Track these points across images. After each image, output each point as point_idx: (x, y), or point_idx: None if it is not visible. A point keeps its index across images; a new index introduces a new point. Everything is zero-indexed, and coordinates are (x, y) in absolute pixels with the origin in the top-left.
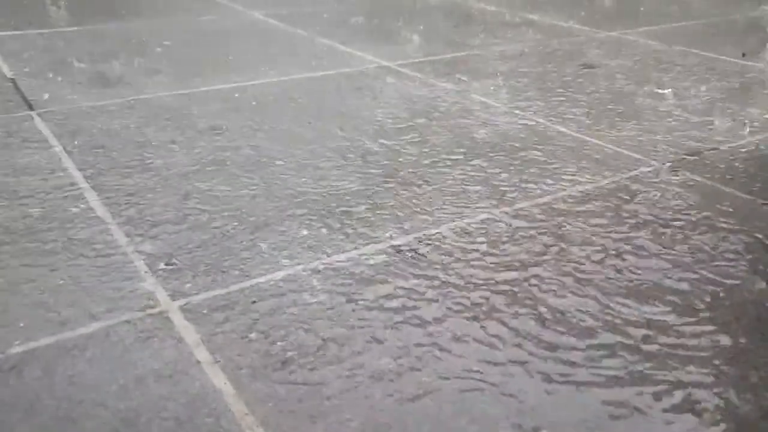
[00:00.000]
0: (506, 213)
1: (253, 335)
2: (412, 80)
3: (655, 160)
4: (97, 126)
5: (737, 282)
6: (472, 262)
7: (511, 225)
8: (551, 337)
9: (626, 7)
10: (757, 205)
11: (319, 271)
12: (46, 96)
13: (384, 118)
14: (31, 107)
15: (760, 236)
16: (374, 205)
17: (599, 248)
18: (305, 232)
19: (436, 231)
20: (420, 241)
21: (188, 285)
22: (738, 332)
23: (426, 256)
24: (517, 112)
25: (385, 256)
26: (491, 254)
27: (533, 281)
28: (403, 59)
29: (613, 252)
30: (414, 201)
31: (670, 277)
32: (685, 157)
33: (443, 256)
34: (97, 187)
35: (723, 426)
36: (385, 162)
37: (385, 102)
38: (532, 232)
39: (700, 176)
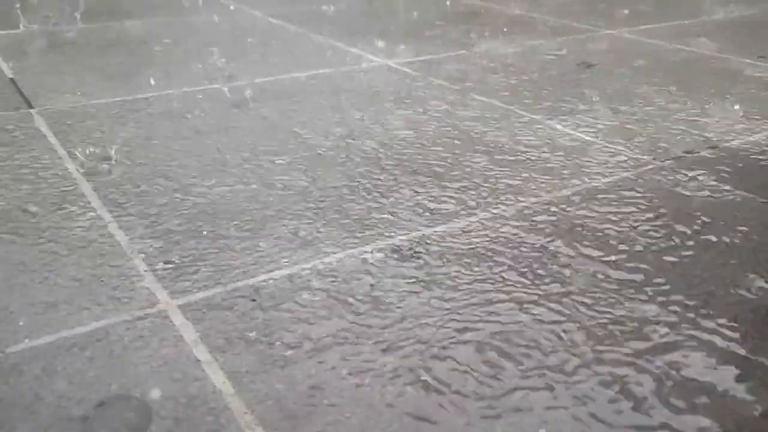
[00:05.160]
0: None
1: (252, 334)
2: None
3: (656, 158)
4: (97, 124)
5: (737, 281)
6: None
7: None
8: None
9: (628, 4)
10: (757, 204)
11: (319, 269)
12: (46, 94)
13: None
14: (30, 105)
15: (760, 234)
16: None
17: (599, 243)
18: (304, 232)
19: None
20: (418, 241)
21: (187, 284)
22: (737, 331)
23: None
24: (519, 111)
25: (384, 253)
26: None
27: None
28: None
29: (610, 248)
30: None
31: (669, 276)
32: (685, 155)
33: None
34: (97, 185)
35: (723, 426)
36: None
37: None
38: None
39: (701, 174)
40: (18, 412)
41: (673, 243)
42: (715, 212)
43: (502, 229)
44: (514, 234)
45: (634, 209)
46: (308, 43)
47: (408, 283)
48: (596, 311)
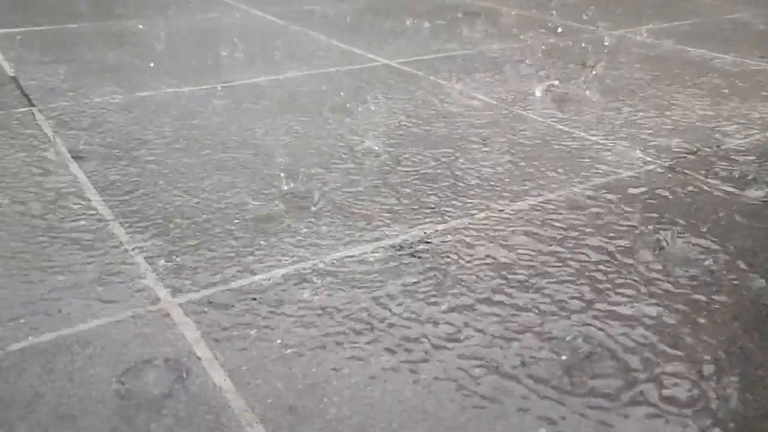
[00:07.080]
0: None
1: (253, 332)
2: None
3: (656, 158)
4: (98, 123)
5: (736, 281)
6: None
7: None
8: None
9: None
10: (756, 204)
11: (320, 268)
12: (47, 92)
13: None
14: (31, 103)
15: (760, 235)
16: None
17: (598, 244)
18: (305, 230)
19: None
20: (420, 240)
21: (188, 282)
22: (737, 332)
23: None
24: (520, 111)
25: (383, 253)
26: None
27: None
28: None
29: (611, 248)
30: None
31: (669, 276)
32: (685, 156)
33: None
34: (98, 183)
35: (723, 426)
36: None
37: None
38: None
39: (700, 175)
40: (18, 410)
41: (672, 242)
42: (714, 212)
43: (506, 226)
44: (516, 228)
45: (633, 209)
46: (309, 43)
47: (409, 282)
48: (595, 308)
